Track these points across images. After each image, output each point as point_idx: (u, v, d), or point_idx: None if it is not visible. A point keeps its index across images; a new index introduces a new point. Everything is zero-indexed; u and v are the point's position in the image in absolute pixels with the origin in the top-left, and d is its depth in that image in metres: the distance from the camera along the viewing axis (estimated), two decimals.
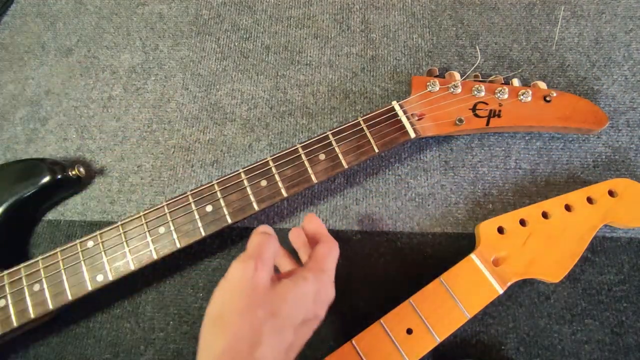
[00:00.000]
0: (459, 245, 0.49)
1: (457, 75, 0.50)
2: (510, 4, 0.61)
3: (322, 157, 0.45)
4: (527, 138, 0.54)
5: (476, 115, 0.47)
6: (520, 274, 0.42)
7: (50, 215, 0.54)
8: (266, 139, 0.56)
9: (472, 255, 0.43)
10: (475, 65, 0.54)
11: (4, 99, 0.62)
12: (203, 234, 0.43)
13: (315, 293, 0.33)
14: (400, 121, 0.47)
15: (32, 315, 0.41)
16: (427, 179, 0.53)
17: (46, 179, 0.48)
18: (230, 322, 0.28)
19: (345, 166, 0.45)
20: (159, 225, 0.43)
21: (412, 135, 0.46)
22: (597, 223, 0.44)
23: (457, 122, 0.47)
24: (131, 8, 0.66)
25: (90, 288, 0.42)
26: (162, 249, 0.43)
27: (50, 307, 0.42)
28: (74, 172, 0.50)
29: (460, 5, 0.62)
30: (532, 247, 0.43)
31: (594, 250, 0.49)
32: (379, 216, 0.51)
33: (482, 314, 0.46)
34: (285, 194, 0.44)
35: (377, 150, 0.46)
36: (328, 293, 0.34)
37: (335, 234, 0.51)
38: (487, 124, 0.47)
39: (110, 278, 0.42)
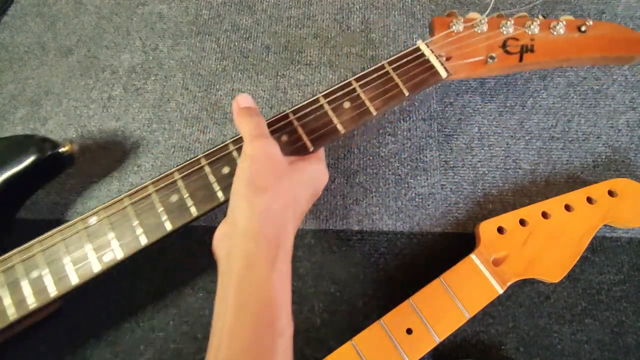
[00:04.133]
0: (459, 245, 0.49)
1: (478, 15, 0.46)
2: (510, 4, 0.61)
3: (346, 105, 0.41)
4: (527, 138, 0.54)
5: (507, 52, 0.44)
6: (520, 274, 0.42)
7: (50, 215, 0.54)
8: None
9: (472, 255, 0.43)
10: (493, 1, 0.51)
11: (4, 99, 0.62)
12: (221, 199, 0.39)
13: (319, 172, 0.39)
14: (428, 61, 0.43)
15: (34, 305, 0.37)
16: (427, 179, 0.53)
17: (34, 157, 0.44)
18: (265, 187, 0.33)
19: (374, 113, 0.41)
20: (171, 194, 0.39)
21: (444, 74, 0.43)
22: (597, 223, 0.44)
23: (488, 60, 0.44)
24: (131, 8, 0.66)
25: (98, 269, 0.37)
26: (176, 219, 0.39)
27: (55, 293, 0.37)
28: (65, 149, 0.46)
29: (460, 5, 0.62)
30: (532, 247, 0.43)
31: (594, 250, 0.49)
32: (379, 216, 0.51)
33: (482, 314, 0.46)
34: (310, 148, 0.40)
35: (407, 93, 0.42)
36: (326, 175, 0.40)
37: (335, 234, 0.51)
38: (520, 59, 0.44)
39: (120, 256, 0.38)
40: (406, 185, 0.53)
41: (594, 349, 0.45)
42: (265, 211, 0.32)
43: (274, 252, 0.31)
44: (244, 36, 0.62)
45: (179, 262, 0.50)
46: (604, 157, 0.52)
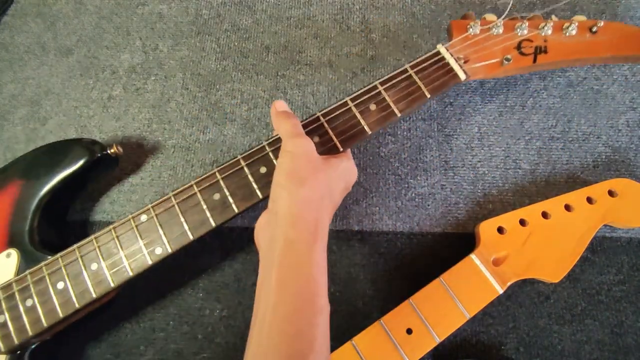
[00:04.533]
0: (459, 245, 0.49)
1: (494, 17, 0.48)
2: (510, 4, 0.61)
3: (372, 107, 0.44)
4: (527, 138, 0.54)
5: (522, 54, 0.46)
6: (520, 274, 0.42)
7: None
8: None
9: (472, 255, 0.43)
10: (510, 4, 0.51)
11: (4, 99, 0.62)
12: (260, 196, 0.42)
13: (350, 168, 0.42)
14: (448, 64, 0.46)
15: (94, 295, 0.41)
16: (427, 179, 0.53)
17: (86, 158, 0.48)
18: (304, 178, 0.36)
19: (398, 114, 0.44)
20: (214, 192, 0.42)
21: (463, 77, 0.45)
22: (597, 223, 0.44)
23: (504, 61, 0.46)
24: (131, 8, 0.66)
25: (150, 262, 0.41)
26: (219, 216, 0.42)
27: (112, 284, 0.41)
28: (112, 151, 0.50)
29: (460, 5, 0.62)
30: (532, 247, 0.43)
31: (594, 250, 0.49)
32: (379, 216, 0.51)
33: (482, 314, 0.46)
34: (340, 148, 0.43)
35: (429, 95, 0.44)
36: (355, 171, 0.43)
37: (336, 234, 0.51)
38: (534, 61, 0.46)
39: (170, 250, 0.41)
40: (406, 185, 0.53)
41: (594, 349, 0.45)
42: (304, 200, 0.35)
43: (313, 237, 0.34)
44: (244, 36, 0.62)
45: (179, 262, 0.51)
46: (604, 157, 0.52)
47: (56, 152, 0.49)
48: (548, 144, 0.53)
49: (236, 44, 0.62)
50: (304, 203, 0.35)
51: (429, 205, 0.52)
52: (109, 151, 0.50)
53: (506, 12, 0.48)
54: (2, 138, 0.59)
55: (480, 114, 0.55)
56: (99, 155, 0.49)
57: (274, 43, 0.62)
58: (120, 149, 0.51)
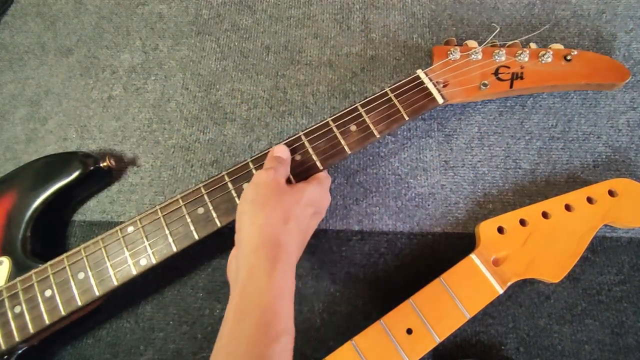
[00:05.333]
0: (459, 245, 0.49)
1: (475, 43, 0.51)
2: (510, 3, 0.61)
3: (353, 128, 0.46)
4: (527, 138, 0.54)
5: (499, 79, 0.49)
6: (520, 274, 0.42)
7: None
8: (266, 139, 0.56)
9: (472, 255, 0.43)
10: (494, 34, 0.55)
11: (4, 99, 0.62)
12: None
13: (320, 194, 0.42)
14: (427, 88, 0.48)
15: (80, 303, 0.42)
16: (427, 179, 0.53)
17: (79, 171, 0.50)
18: (265, 203, 0.36)
19: (377, 135, 0.46)
20: (198, 207, 0.44)
21: (440, 100, 0.47)
22: (597, 223, 0.44)
23: (481, 86, 0.48)
24: (131, 8, 0.66)
25: (134, 272, 0.42)
26: (203, 229, 0.43)
27: (97, 293, 0.42)
28: (105, 164, 0.51)
29: (460, 5, 0.62)
30: (532, 247, 0.43)
31: (594, 250, 0.49)
32: (379, 216, 0.51)
33: (482, 314, 0.46)
34: (320, 167, 0.44)
35: (407, 118, 0.46)
36: (327, 196, 0.44)
37: (336, 234, 0.51)
38: (511, 86, 0.49)
39: (154, 261, 0.43)
40: (406, 185, 0.53)
41: (594, 349, 0.45)
42: (265, 224, 0.35)
43: (273, 263, 0.34)
44: (244, 36, 0.62)
45: (179, 262, 0.50)
46: (604, 157, 0.52)
47: (50, 165, 0.51)
48: (548, 143, 0.53)
49: (236, 44, 0.62)
50: (264, 228, 0.35)
51: (429, 205, 0.52)
52: (101, 164, 0.51)
53: (487, 42, 0.51)
54: (2, 138, 0.59)
55: (480, 114, 0.55)
56: (92, 168, 0.50)
57: (274, 43, 0.62)
58: (113, 162, 0.53)
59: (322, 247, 0.50)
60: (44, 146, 0.58)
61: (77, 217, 0.54)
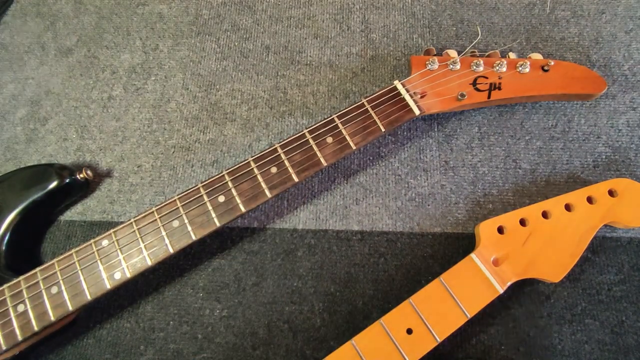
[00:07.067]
0: (459, 245, 0.49)
1: (454, 53, 0.51)
2: (510, 3, 0.61)
3: (329, 140, 0.46)
4: (527, 138, 0.54)
5: (477, 90, 0.49)
6: (520, 274, 0.42)
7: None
8: (266, 139, 0.56)
9: (472, 255, 0.43)
10: (475, 42, 0.55)
11: (4, 99, 0.62)
12: (218, 224, 0.43)
13: None
14: (403, 99, 0.48)
15: (52, 318, 0.41)
16: (427, 179, 0.53)
17: (55, 183, 0.49)
18: None
19: (354, 147, 0.45)
20: (173, 219, 0.43)
21: (417, 112, 0.47)
22: (597, 223, 0.44)
23: (459, 97, 0.48)
24: (131, 8, 0.66)
25: (108, 286, 0.42)
26: (178, 242, 0.43)
27: (70, 308, 0.41)
28: (82, 176, 0.51)
29: (460, 5, 0.62)
30: (532, 247, 0.43)
31: (594, 250, 0.49)
32: (379, 216, 0.51)
33: (482, 314, 0.46)
34: (296, 179, 0.44)
35: (383, 130, 0.46)
36: None
37: (335, 234, 0.51)
38: (489, 97, 0.48)
39: (128, 275, 0.42)
40: (406, 185, 0.53)
41: (594, 349, 0.45)
42: None
43: None
44: (244, 36, 0.62)
45: (179, 262, 0.51)
46: (604, 157, 0.52)
47: (26, 177, 0.50)
48: (548, 143, 0.53)
49: (236, 44, 0.62)
50: None
51: (429, 205, 0.52)
52: (78, 176, 0.51)
53: (465, 50, 0.51)
54: (2, 138, 0.59)
55: (480, 113, 0.55)
56: (67, 180, 0.50)
57: (274, 43, 0.62)
58: (90, 173, 0.52)
59: (322, 247, 0.50)
60: (44, 146, 0.58)
61: (78, 217, 0.54)
